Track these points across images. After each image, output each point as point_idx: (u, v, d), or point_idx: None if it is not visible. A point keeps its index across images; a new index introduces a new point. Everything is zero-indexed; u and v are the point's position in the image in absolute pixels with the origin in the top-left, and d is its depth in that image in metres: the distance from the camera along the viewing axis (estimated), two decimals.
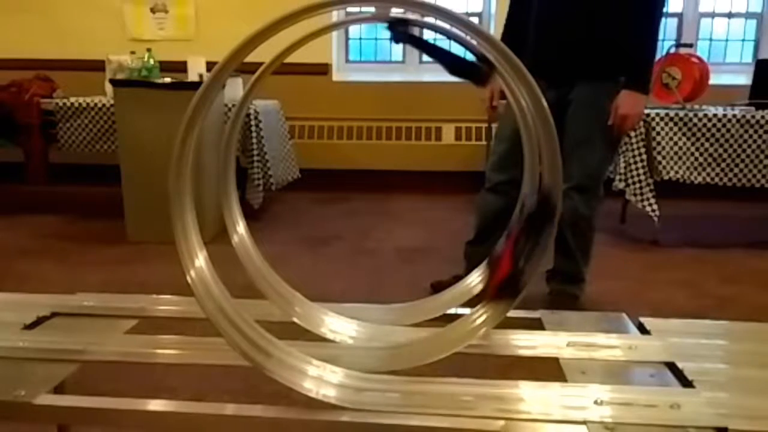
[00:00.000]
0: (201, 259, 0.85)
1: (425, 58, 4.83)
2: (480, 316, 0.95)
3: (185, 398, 0.88)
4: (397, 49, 4.92)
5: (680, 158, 3.10)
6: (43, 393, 0.86)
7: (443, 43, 1.01)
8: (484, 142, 4.44)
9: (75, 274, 2.70)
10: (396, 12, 0.94)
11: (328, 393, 0.83)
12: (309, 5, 0.77)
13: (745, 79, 4.00)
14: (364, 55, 4.99)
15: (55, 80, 3.79)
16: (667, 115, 3.08)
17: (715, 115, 3.07)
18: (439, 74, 4.77)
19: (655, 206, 3.09)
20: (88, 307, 1.17)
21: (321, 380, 0.85)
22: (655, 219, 3.12)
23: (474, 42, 0.86)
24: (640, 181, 3.10)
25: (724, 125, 3.07)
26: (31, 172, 3.65)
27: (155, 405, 0.85)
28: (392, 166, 4.59)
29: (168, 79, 3.31)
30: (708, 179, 3.13)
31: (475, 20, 4.74)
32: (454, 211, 3.88)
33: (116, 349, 1.01)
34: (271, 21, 0.77)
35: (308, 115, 4.60)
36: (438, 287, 2.15)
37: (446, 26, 0.88)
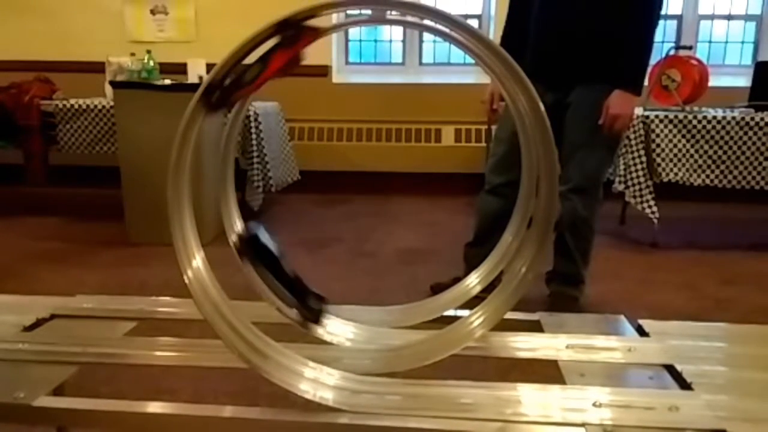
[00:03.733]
0: (198, 260, 0.85)
1: (425, 59, 4.86)
2: (477, 318, 0.95)
3: (184, 400, 0.88)
4: (397, 51, 4.92)
5: (680, 160, 3.10)
6: (42, 395, 0.86)
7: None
8: (483, 144, 4.44)
9: (74, 276, 2.70)
10: (392, 15, 0.94)
11: (325, 395, 0.83)
12: (309, 7, 0.77)
13: (744, 81, 4.00)
14: (364, 57, 5.00)
15: (55, 82, 3.80)
16: (666, 117, 3.08)
17: (714, 117, 3.07)
18: (439, 76, 4.79)
19: (654, 208, 3.09)
20: (88, 309, 1.17)
21: (318, 382, 0.86)
22: (655, 221, 3.12)
23: (471, 45, 0.86)
24: (639, 183, 3.10)
25: (723, 127, 3.07)
26: (31, 174, 3.65)
27: (154, 407, 0.85)
28: (392, 168, 4.59)
29: (168, 81, 3.32)
30: (707, 181, 3.13)
31: (474, 22, 4.75)
32: (454, 213, 3.89)
33: (115, 351, 1.01)
34: (270, 23, 0.77)
35: (308, 116, 4.60)
36: (437, 289, 2.15)
37: (445, 30, 0.88)
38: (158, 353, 1.00)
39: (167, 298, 1.24)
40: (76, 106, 3.52)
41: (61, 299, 1.23)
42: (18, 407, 0.83)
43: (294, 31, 0.76)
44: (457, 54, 4.80)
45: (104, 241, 3.20)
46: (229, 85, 0.78)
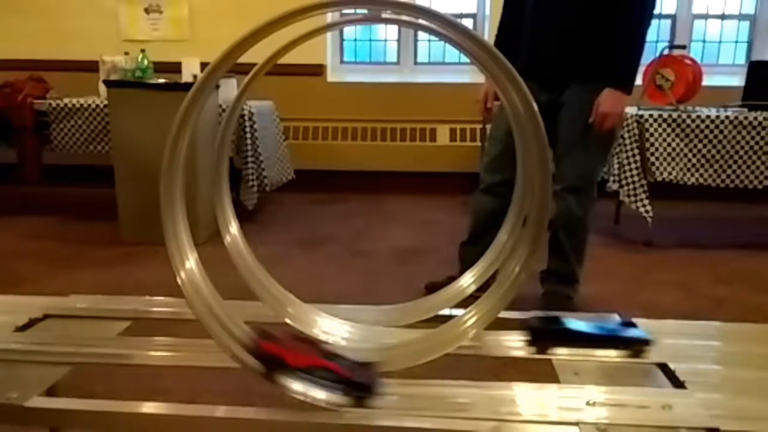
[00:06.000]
0: (191, 261, 0.85)
1: (420, 58, 4.85)
2: (471, 317, 0.95)
3: (179, 400, 0.87)
4: (392, 50, 4.92)
5: (674, 159, 3.11)
6: (35, 395, 0.85)
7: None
8: (478, 143, 4.44)
9: (68, 276, 2.69)
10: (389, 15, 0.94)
11: (317, 395, 0.83)
12: (302, 7, 0.77)
13: (738, 80, 4.01)
14: (359, 56, 4.99)
15: (48, 81, 3.78)
16: (660, 116, 3.09)
17: (708, 117, 3.08)
18: (434, 75, 4.79)
19: (648, 207, 3.10)
20: (81, 309, 1.17)
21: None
22: (649, 220, 3.12)
23: (466, 44, 0.86)
24: (633, 182, 3.11)
25: (717, 126, 3.08)
26: (25, 173, 3.63)
27: (147, 407, 0.85)
28: (387, 167, 4.59)
29: (162, 80, 3.31)
30: (701, 180, 3.14)
31: (469, 22, 4.75)
32: (449, 212, 3.89)
33: (109, 351, 1.01)
34: (263, 23, 0.77)
35: (303, 115, 4.60)
36: (432, 288, 2.15)
37: (439, 29, 0.88)
38: (152, 353, 1.00)
39: (161, 297, 1.23)
40: (70, 105, 3.51)
41: (54, 299, 1.22)
42: (10, 408, 0.83)
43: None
44: (452, 53, 4.80)
45: (98, 241, 3.19)
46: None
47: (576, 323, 1.04)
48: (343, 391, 0.82)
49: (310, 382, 0.82)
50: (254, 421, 0.82)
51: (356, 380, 0.83)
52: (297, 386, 0.83)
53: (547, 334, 1.01)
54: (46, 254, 3.00)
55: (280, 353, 0.83)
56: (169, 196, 0.81)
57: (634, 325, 1.05)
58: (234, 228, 1.08)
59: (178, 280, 0.83)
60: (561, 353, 0.99)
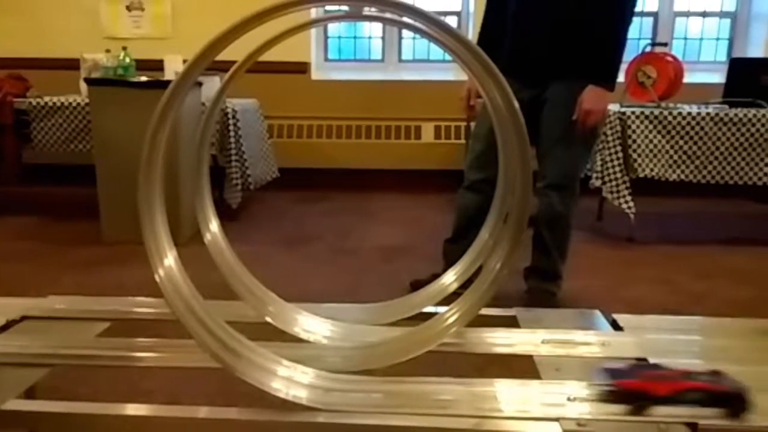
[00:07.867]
0: (170, 258, 0.84)
1: (404, 56, 4.84)
2: (453, 314, 0.95)
3: (161, 401, 0.87)
4: (377, 48, 4.91)
5: (655, 156, 3.14)
6: (12, 398, 0.84)
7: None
8: (463, 141, 4.45)
9: (49, 277, 2.66)
10: (370, 11, 0.94)
11: (298, 393, 0.83)
12: (280, 3, 0.76)
13: (719, 77, 4.05)
14: (343, 54, 4.98)
15: (28, 79, 3.73)
16: (642, 113, 3.12)
17: (689, 114, 3.11)
18: (418, 73, 4.79)
19: (631, 203, 3.13)
20: (60, 310, 1.16)
21: (291, 381, 0.85)
22: (631, 216, 3.15)
23: (448, 42, 0.86)
24: (616, 179, 3.13)
25: (698, 123, 3.11)
26: (4, 173, 3.58)
27: (128, 409, 0.84)
28: (371, 165, 4.58)
29: (144, 78, 3.27)
30: (683, 176, 3.17)
31: (453, 20, 4.75)
32: (434, 210, 3.89)
33: (87, 352, 0.99)
34: (240, 19, 0.76)
35: (287, 113, 4.57)
36: (417, 286, 2.14)
37: (422, 27, 0.88)
38: (132, 354, 0.99)
39: (142, 298, 1.22)
40: (51, 104, 3.46)
41: (32, 300, 1.21)
42: None
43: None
44: (437, 51, 4.80)
45: (79, 241, 3.15)
46: None
47: None
48: (717, 406, 0.81)
49: (680, 406, 0.81)
50: (237, 421, 0.82)
51: (731, 393, 0.82)
52: (278, 384, 0.82)
53: None
54: (26, 255, 2.96)
55: (642, 387, 0.83)
56: (147, 191, 0.80)
57: None
58: (214, 226, 1.07)
59: (156, 278, 0.82)
60: None
